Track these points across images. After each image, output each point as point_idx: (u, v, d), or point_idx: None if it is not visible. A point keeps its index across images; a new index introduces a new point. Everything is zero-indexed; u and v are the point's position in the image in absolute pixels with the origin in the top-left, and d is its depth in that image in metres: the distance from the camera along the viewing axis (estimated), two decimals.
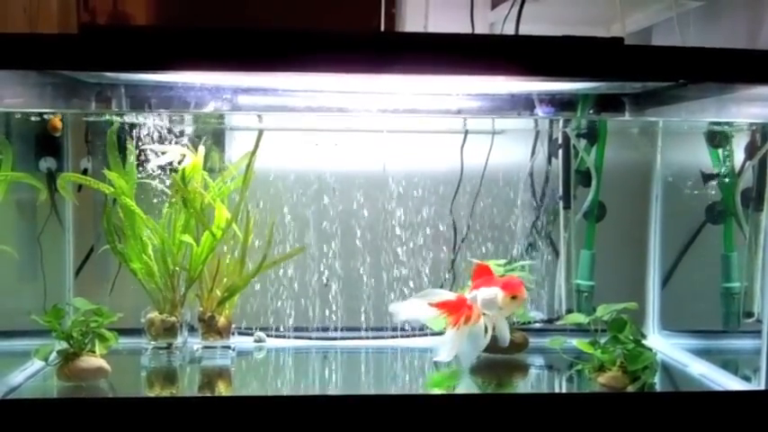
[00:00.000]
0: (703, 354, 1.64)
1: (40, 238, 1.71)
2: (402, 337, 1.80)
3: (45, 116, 1.64)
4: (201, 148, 1.62)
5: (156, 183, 1.64)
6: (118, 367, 1.48)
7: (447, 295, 1.59)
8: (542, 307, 1.82)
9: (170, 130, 1.65)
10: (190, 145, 1.63)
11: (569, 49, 1.30)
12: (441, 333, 1.72)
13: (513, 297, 1.50)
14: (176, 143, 1.65)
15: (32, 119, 1.65)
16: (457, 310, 1.56)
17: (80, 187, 1.69)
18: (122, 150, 1.60)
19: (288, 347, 1.75)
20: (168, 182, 1.64)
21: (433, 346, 1.62)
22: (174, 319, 1.60)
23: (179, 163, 1.61)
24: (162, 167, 1.64)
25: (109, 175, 1.56)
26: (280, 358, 1.70)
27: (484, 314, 1.53)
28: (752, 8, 1.56)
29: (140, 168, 1.62)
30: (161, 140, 1.65)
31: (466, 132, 1.81)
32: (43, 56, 1.24)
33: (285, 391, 1.49)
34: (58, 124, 1.65)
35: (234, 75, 1.41)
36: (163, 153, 1.62)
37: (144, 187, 1.63)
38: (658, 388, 1.50)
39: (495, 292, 1.51)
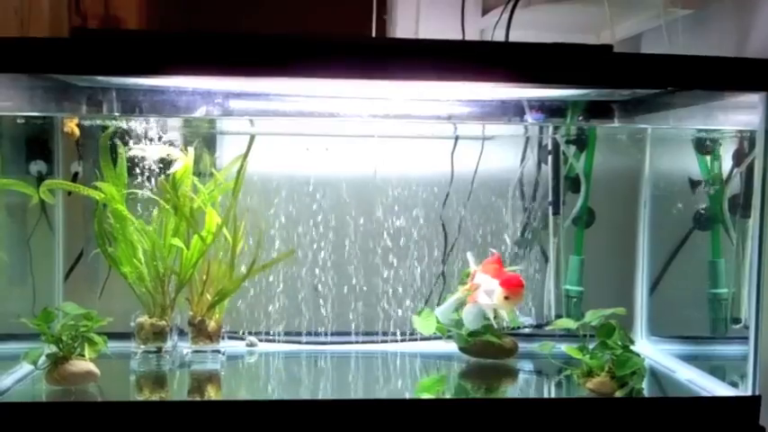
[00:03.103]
0: (691, 359, 1.65)
1: (30, 242, 1.71)
2: (392, 341, 1.80)
3: (31, 119, 1.64)
4: (191, 151, 1.62)
5: (146, 188, 1.64)
6: (107, 371, 1.48)
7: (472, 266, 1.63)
8: (531, 312, 1.82)
9: (161, 135, 1.65)
10: (183, 147, 1.63)
11: (559, 55, 1.31)
12: (429, 338, 1.74)
13: (506, 297, 1.50)
14: (168, 146, 1.65)
15: (23, 122, 1.65)
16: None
17: (70, 190, 1.69)
18: (114, 154, 1.59)
19: (278, 352, 1.75)
20: (159, 187, 1.64)
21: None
22: (163, 323, 1.60)
23: (165, 165, 1.61)
24: (153, 172, 1.64)
25: (100, 184, 1.55)
26: (270, 363, 1.70)
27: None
28: (740, 16, 1.57)
29: (131, 172, 1.62)
30: (153, 144, 1.65)
31: (456, 138, 1.82)
32: (34, 59, 1.24)
33: (275, 396, 1.49)
34: (75, 129, 1.64)
35: (225, 79, 1.41)
36: (143, 151, 1.62)
37: (136, 187, 1.63)
38: (646, 393, 1.50)
39: (494, 287, 1.52)
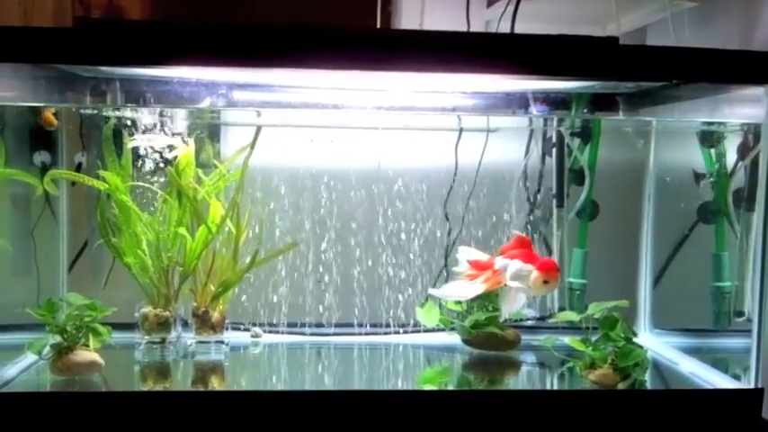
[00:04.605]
0: (694, 352, 1.65)
1: (34, 232, 1.71)
2: (395, 333, 1.81)
3: (39, 110, 1.64)
4: (191, 142, 1.62)
5: (150, 179, 1.64)
6: (111, 361, 1.48)
7: (480, 255, 1.61)
8: (535, 304, 1.82)
9: (165, 125, 1.65)
10: (185, 138, 1.63)
11: (564, 47, 1.31)
12: (433, 330, 1.74)
13: (546, 281, 1.49)
14: (171, 136, 1.65)
15: (27, 112, 1.65)
16: (482, 269, 1.58)
17: (74, 181, 1.69)
18: (118, 145, 1.59)
19: (282, 343, 1.75)
20: (164, 178, 1.64)
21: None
22: (167, 313, 1.60)
23: (172, 155, 1.61)
24: (157, 163, 1.64)
25: (103, 173, 1.55)
26: (274, 354, 1.70)
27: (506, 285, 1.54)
28: (746, 9, 1.57)
29: (135, 163, 1.62)
30: (156, 135, 1.65)
31: (461, 130, 1.82)
32: (38, 49, 1.24)
33: (278, 387, 1.49)
34: (52, 119, 1.64)
35: (229, 70, 1.41)
36: (149, 141, 1.62)
37: (139, 179, 1.63)
38: (649, 385, 1.51)
39: (529, 270, 1.50)
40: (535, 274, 1.49)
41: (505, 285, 1.54)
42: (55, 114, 1.65)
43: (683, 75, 1.35)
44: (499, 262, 1.57)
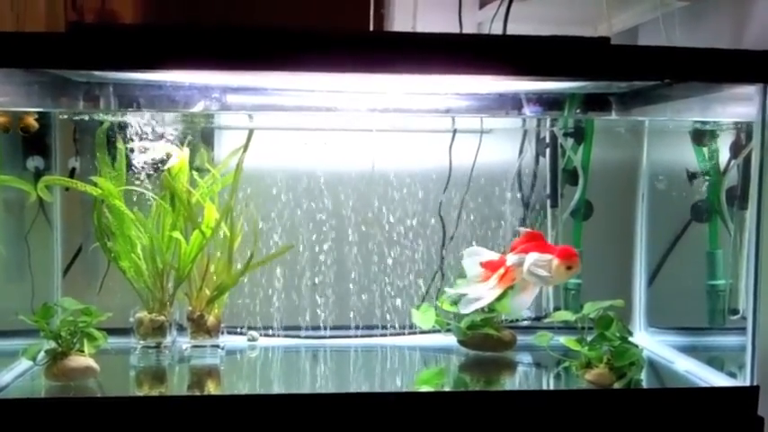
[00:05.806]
0: (689, 351, 1.65)
1: (28, 237, 1.71)
2: (391, 335, 1.81)
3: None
4: (186, 149, 1.62)
5: (144, 182, 1.64)
6: (106, 367, 1.48)
7: (491, 255, 1.59)
8: (530, 305, 1.83)
9: (158, 130, 1.65)
10: (178, 143, 1.63)
11: (556, 48, 1.31)
12: (429, 332, 1.74)
13: (569, 267, 1.48)
14: (165, 142, 1.65)
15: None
16: (495, 269, 1.56)
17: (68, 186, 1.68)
18: (112, 150, 1.59)
19: (278, 346, 1.75)
20: (158, 182, 1.63)
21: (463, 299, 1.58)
22: (162, 318, 1.60)
23: (164, 162, 1.61)
24: (152, 166, 1.64)
25: (96, 179, 1.55)
26: (269, 357, 1.70)
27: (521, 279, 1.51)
28: (736, 8, 1.58)
29: (129, 168, 1.62)
30: (150, 140, 1.65)
31: (454, 132, 1.82)
32: (31, 54, 1.24)
33: (274, 390, 1.49)
34: (32, 123, 1.63)
35: (222, 74, 1.41)
36: (145, 150, 1.62)
37: (133, 183, 1.63)
38: (644, 384, 1.51)
39: (548, 259, 1.49)
40: (556, 261, 1.47)
41: (522, 280, 1.52)
42: (36, 119, 1.64)
43: (675, 74, 1.36)
44: (511, 258, 1.55)
